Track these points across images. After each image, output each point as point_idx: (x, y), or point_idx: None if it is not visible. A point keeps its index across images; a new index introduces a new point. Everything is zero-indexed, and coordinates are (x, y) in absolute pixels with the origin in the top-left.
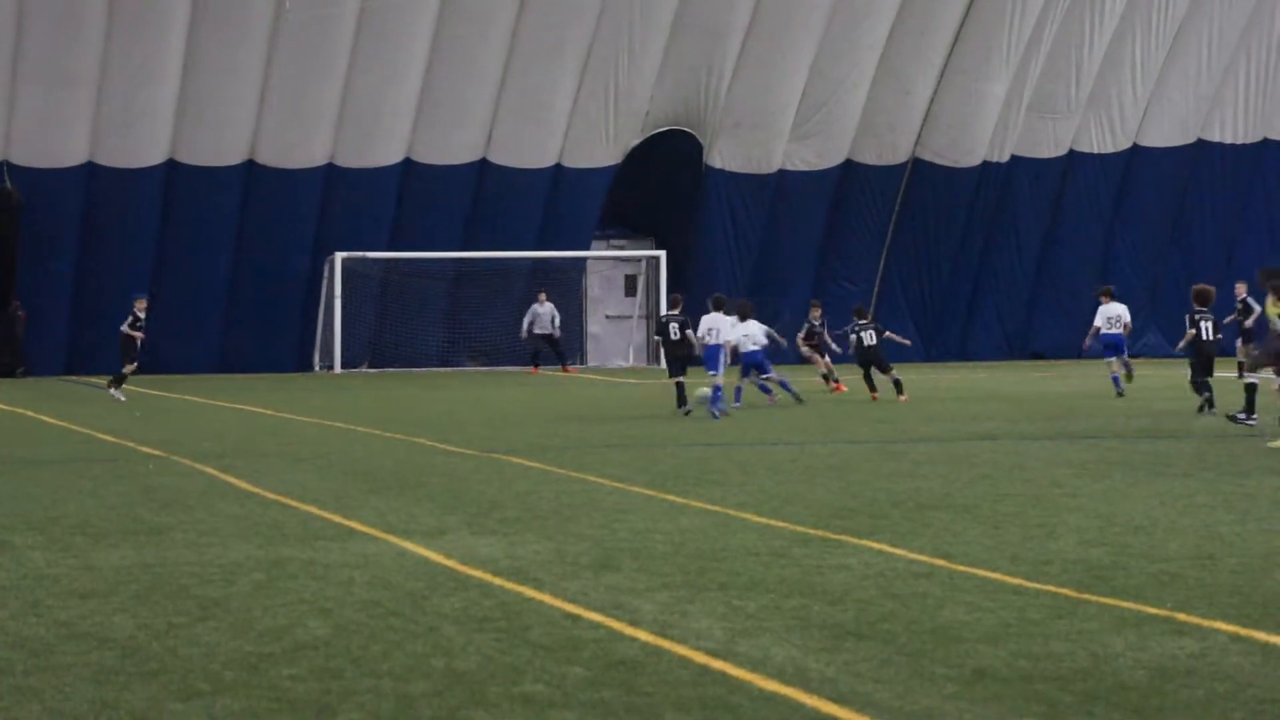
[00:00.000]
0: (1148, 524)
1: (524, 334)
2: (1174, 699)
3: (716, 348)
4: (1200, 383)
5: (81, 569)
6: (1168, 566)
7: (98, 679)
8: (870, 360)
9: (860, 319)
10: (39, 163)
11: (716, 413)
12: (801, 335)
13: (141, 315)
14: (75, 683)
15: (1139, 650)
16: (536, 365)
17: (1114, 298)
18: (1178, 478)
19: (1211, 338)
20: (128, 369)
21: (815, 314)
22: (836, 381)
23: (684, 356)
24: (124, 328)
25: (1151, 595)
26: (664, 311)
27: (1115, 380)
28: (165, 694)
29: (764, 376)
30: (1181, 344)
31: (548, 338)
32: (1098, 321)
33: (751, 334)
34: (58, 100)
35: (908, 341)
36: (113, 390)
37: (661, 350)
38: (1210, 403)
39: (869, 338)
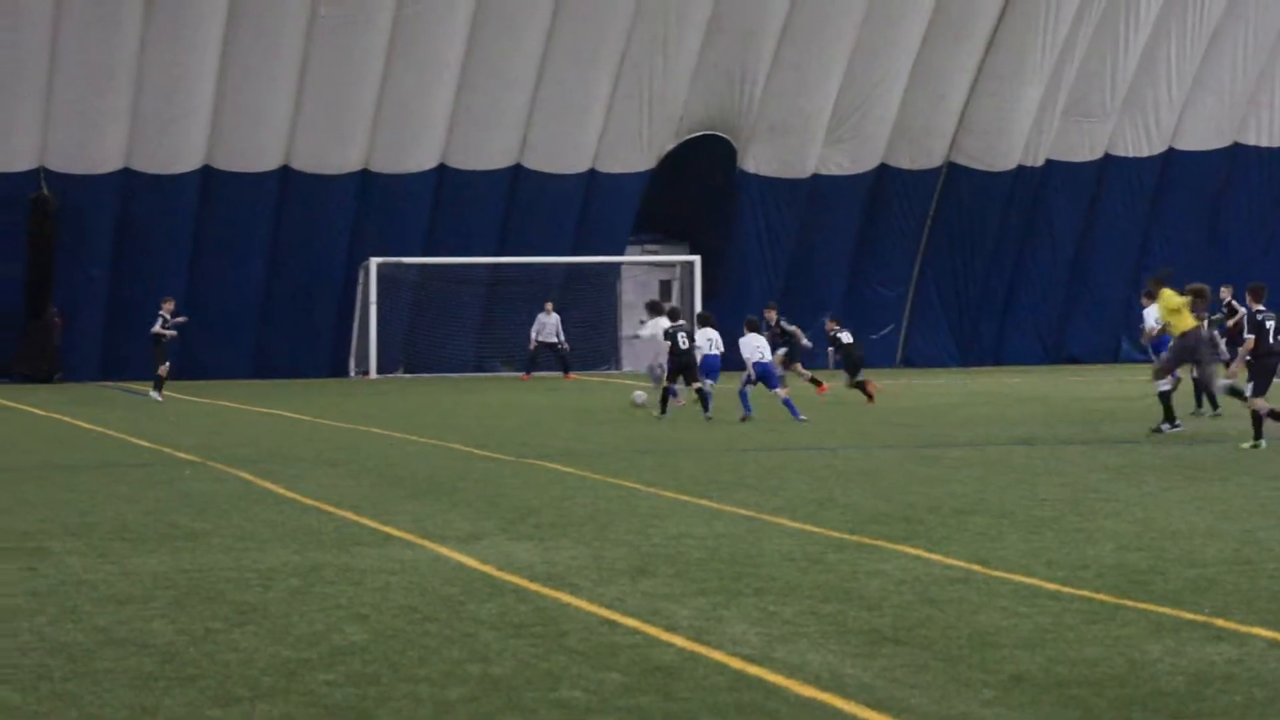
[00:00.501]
0: (1185, 529)
1: (531, 344)
2: (1212, 705)
3: (715, 357)
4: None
5: (119, 574)
6: (1205, 572)
7: (136, 685)
8: (852, 359)
9: (674, 320)
10: (75, 169)
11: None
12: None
13: (169, 316)
14: (114, 688)
15: (1176, 656)
16: (529, 372)
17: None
18: (1214, 482)
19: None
20: (161, 370)
21: (771, 315)
22: (819, 384)
23: (689, 364)
24: (155, 329)
25: (1189, 600)
26: (666, 324)
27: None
28: (203, 699)
29: (711, 384)
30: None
31: (551, 346)
32: (1149, 323)
33: (714, 340)
34: (93, 106)
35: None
36: (152, 393)
37: (667, 358)
38: (1214, 403)
39: (846, 336)
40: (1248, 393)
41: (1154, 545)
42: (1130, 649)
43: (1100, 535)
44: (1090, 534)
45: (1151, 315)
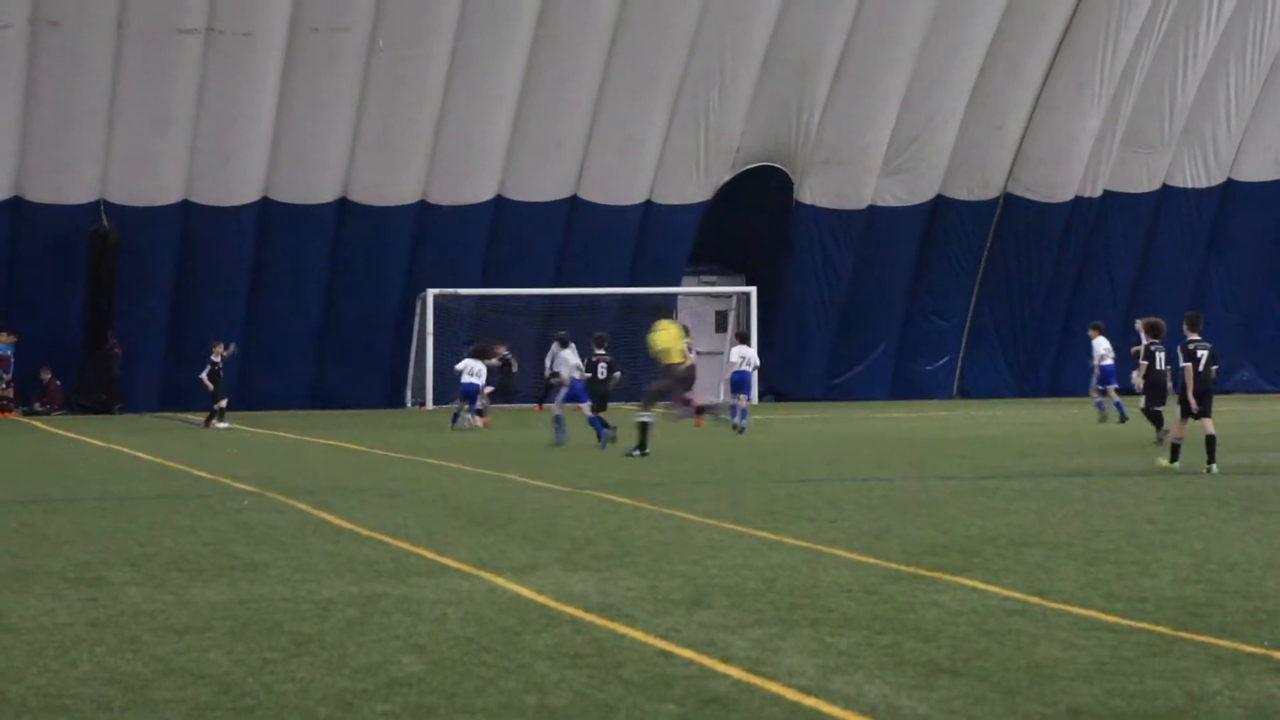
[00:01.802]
0: (1244, 561)
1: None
2: None
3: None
4: (1154, 412)
5: (177, 605)
6: (1265, 604)
7: (194, 715)
8: (603, 394)
9: (599, 348)
10: (135, 201)
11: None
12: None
13: (218, 360)
14: (172, 718)
15: (1236, 689)
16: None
17: (1103, 333)
18: (1273, 514)
19: (1164, 368)
20: (219, 405)
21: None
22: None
23: (607, 394)
24: (203, 375)
25: (1249, 633)
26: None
27: (1101, 406)
28: None
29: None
30: (1136, 375)
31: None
32: (1101, 351)
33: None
34: (153, 139)
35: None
36: (217, 424)
37: (590, 386)
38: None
39: (602, 371)
40: (1176, 414)
41: (1212, 577)
42: (1189, 682)
43: (1158, 567)
44: (1148, 566)
45: (1101, 346)
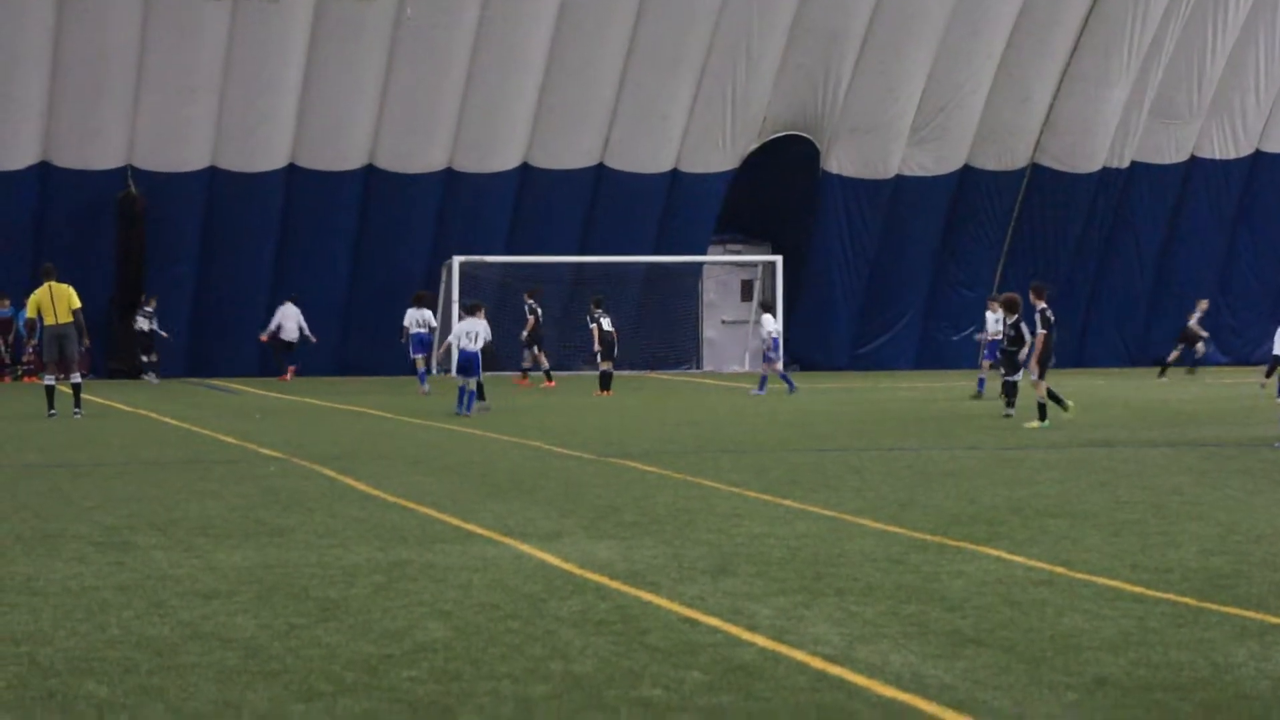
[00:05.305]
0: (1270, 533)
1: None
2: None
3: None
4: (1010, 383)
5: (204, 569)
6: None
7: (220, 679)
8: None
9: (530, 295)
10: (162, 167)
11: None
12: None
13: (150, 309)
14: (199, 682)
15: (1261, 660)
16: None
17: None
18: None
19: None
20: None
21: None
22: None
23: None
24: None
25: (1274, 604)
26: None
27: (981, 383)
28: (287, 694)
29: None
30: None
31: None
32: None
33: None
34: (181, 106)
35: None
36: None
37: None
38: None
39: (607, 323)
40: (1034, 377)
41: (1238, 549)
42: (1214, 652)
43: (1184, 538)
44: (1173, 537)
45: (992, 319)
